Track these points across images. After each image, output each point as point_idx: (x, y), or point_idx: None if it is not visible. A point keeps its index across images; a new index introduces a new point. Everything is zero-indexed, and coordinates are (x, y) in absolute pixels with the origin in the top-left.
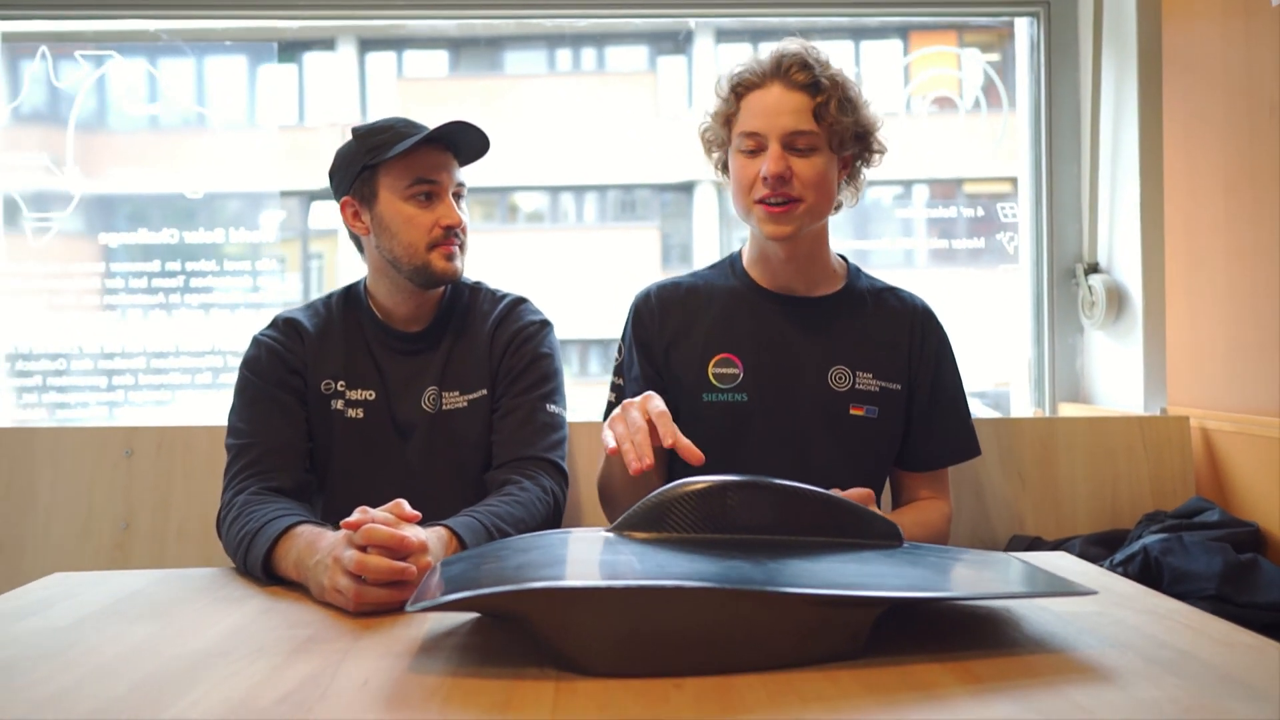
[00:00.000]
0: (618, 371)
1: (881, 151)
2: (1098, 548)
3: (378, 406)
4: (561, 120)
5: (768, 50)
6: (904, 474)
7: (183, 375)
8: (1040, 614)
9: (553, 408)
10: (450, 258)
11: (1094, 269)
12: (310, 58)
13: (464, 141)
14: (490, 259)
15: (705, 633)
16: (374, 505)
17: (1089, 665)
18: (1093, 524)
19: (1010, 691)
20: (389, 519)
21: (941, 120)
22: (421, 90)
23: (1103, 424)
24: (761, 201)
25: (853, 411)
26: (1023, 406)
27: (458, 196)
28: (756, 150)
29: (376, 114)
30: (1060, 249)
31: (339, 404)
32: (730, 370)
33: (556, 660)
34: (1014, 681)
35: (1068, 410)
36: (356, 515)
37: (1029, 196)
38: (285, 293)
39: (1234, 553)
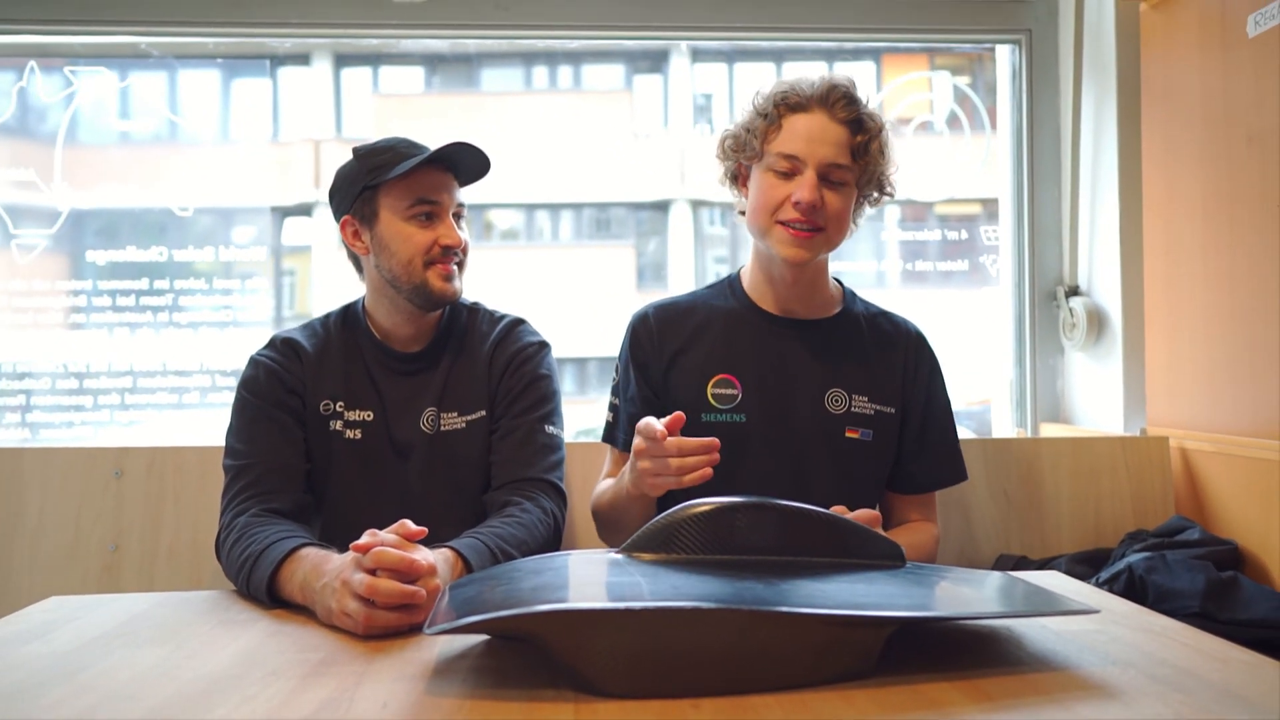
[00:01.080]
0: (615, 392)
1: (892, 194)
2: (1083, 566)
3: (376, 427)
4: (537, 138)
5: (810, 74)
6: (894, 496)
7: (169, 395)
8: (1040, 632)
9: (551, 429)
10: (448, 278)
11: (1074, 291)
12: (285, 73)
13: (464, 163)
14: (466, 276)
15: (721, 653)
16: (373, 526)
17: (1094, 683)
18: (1077, 543)
19: (1020, 710)
20: (398, 541)
21: (914, 143)
22: (397, 106)
23: (1085, 444)
24: (785, 224)
25: (848, 434)
26: (1004, 426)
27: (458, 217)
28: (791, 173)
29: (352, 130)
30: (1041, 272)
31: (337, 424)
32: (729, 391)
33: (573, 681)
34: (1023, 700)
35: (1049, 430)
36: (366, 538)
37: (1010, 220)
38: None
39: (1215, 570)
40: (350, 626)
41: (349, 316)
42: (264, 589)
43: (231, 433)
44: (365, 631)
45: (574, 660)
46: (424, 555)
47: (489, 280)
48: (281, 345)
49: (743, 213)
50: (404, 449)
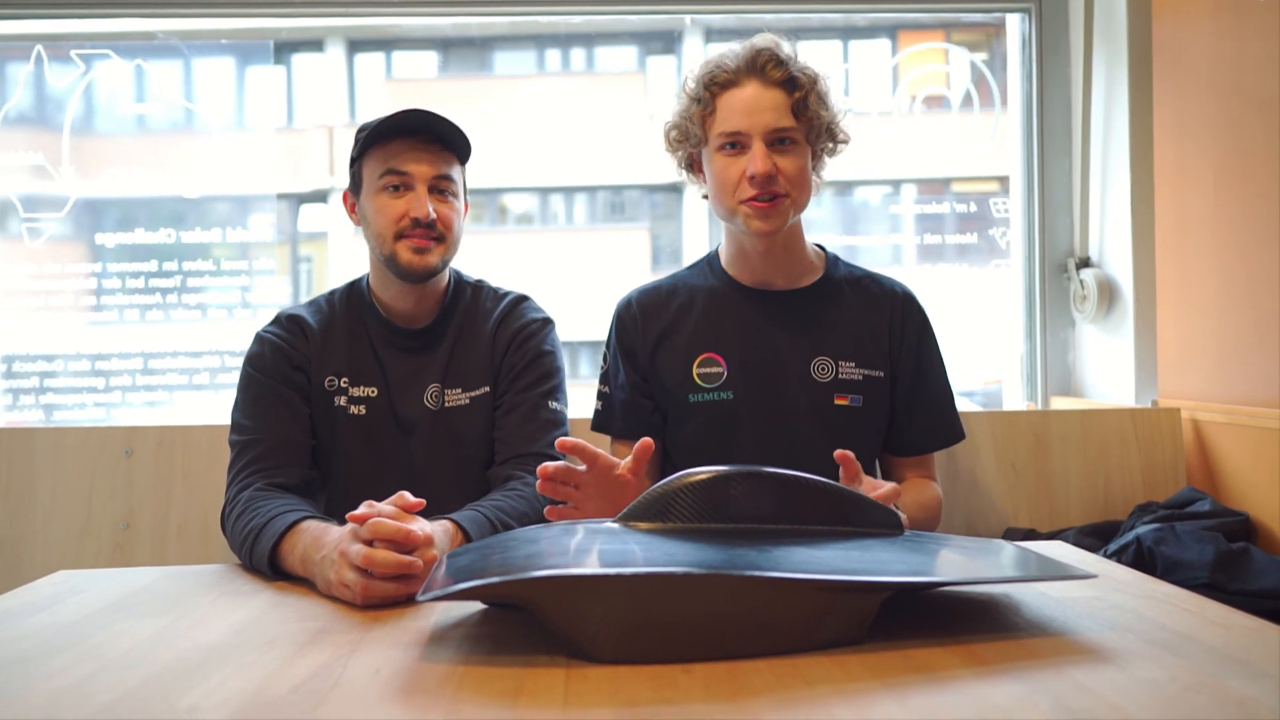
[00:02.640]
0: (604, 379)
1: (846, 141)
2: (1091, 539)
3: (380, 403)
4: (551, 121)
5: (733, 47)
6: (892, 459)
7: (179, 376)
8: (1040, 599)
9: (555, 405)
10: (420, 251)
11: (1085, 263)
12: (299, 59)
13: (445, 133)
14: (480, 261)
15: (713, 619)
16: (378, 501)
17: (1090, 647)
18: (1085, 516)
19: (1014, 672)
20: (395, 512)
21: (931, 119)
22: (410, 91)
23: (1095, 416)
24: (748, 200)
25: (837, 401)
26: (1015, 400)
27: (441, 191)
28: (739, 149)
29: (365, 116)
30: (1052, 244)
31: (342, 400)
32: (714, 369)
33: (566, 648)
34: (1017, 663)
35: (1060, 404)
36: (362, 509)
37: (1020, 192)
38: (280, 296)
39: (1225, 542)
40: (348, 597)
41: (354, 293)
42: (266, 562)
43: (237, 408)
44: (363, 601)
45: (567, 626)
46: (421, 526)
47: (504, 264)
48: (287, 322)
49: (705, 197)
50: (408, 425)
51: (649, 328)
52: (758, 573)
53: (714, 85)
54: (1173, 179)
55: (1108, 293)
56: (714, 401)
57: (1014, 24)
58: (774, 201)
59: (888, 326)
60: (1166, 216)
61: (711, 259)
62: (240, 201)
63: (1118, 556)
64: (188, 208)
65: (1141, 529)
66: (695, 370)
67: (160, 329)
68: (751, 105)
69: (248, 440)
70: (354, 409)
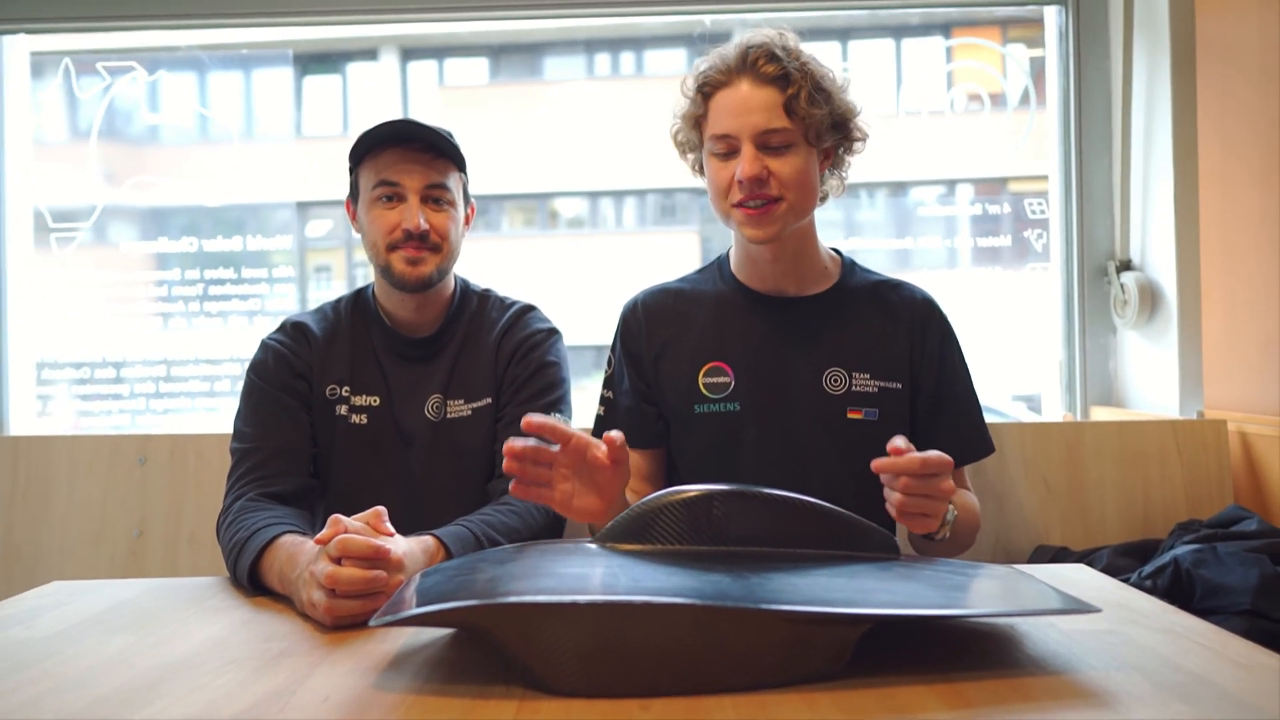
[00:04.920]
0: (607, 384)
1: (863, 138)
2: (1127, 558)
3: (381, 413)
4: (601, 125)
5: (735, 43)
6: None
7: (201, 383)
8: (1045, 632)
9: (558, 416)
10: (413, 262)
11: (1126, 266)
12: (353, 68)
13: (436, 141)
14: (532, 266)
15: (676, 651)
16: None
17: (1089, 689)
18: (1123, 533)
19: (997, 717)
20: (363, 528)
21: (984, 118)
22: (462, 97)
23: (1134, 428)
24: (740, 205)
25: (850, 415)
26: (1054, 410)
27: (436, 200)
28: (729, 153)
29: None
30: (1091, 246)
31: (343, 409)
32: (721, 379)
33: (523, 678)
34: (1004, 706)
35: (1099, 414)
36: (328, 529)
37: (1059, 191)
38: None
39: (1271, 564)
40: (317, 617)
41: (360, 301)
42: (246, 578)
43: (239, 416)
44: (331, 622)
45: (524, 655)
46: (395, 545)
47: (553, 269)
48: (291, 329)
49: None
50: (408, 436)
51: (654, 333)
52: (723, 603)
53: (707, 86)
54: (1218, 177)
55: (1150, 297)
56: (720, 413)
57: (1051, 16)
58: (767, 207)
59: (907, 335)
60: (1212, 216)
61: (722, 262)
62: (303, 208)
63: (1154, 579)
64: (246, 214)
65: (1180, 549)
66: (701, 379)
67: (214, 335)
68: (740, 106)
69: (247, 449)
70: (355, 418)
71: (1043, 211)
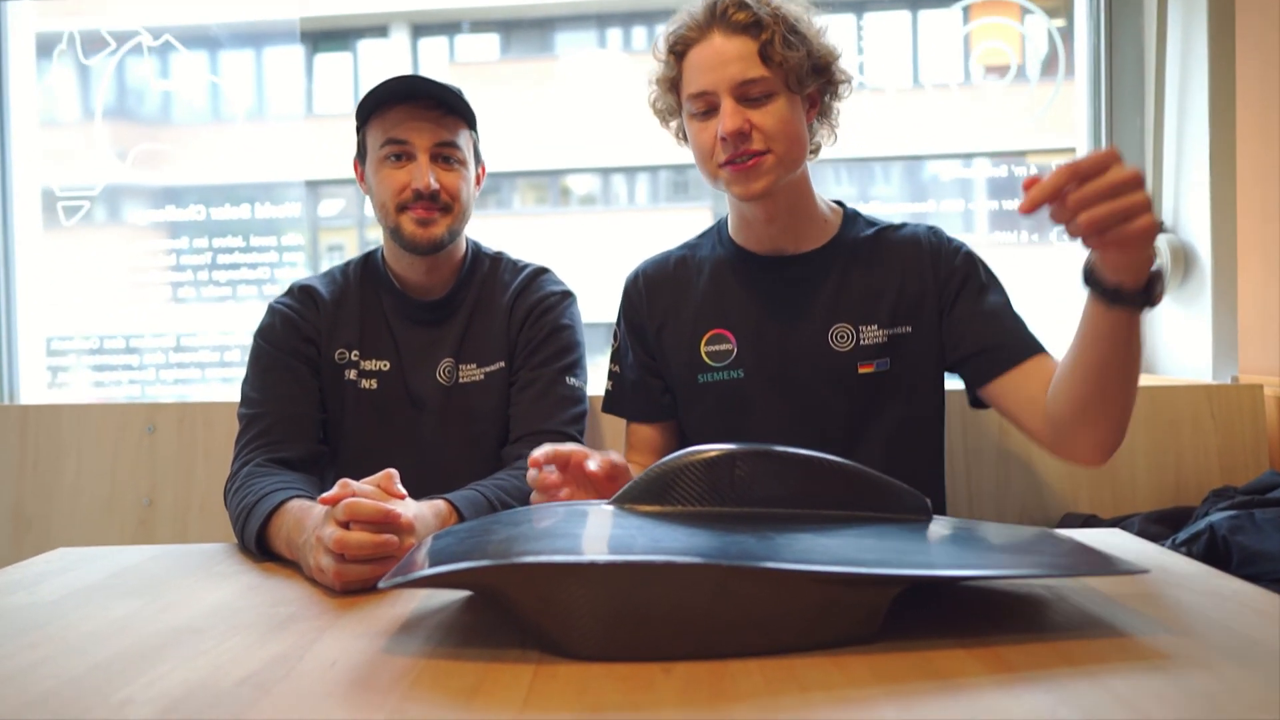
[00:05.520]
0: (614, 358)
1: (847, 81)
2: (1159, 526)
3: (392, 378)
4: (613, 100)
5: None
6: (1001, 386)
7: (211, 354)
8: (1086, 595)
9: (573, 381)
10: (424, 223)
11: (1159, 229)
12: (364, 45)
13: (445, 98)
14: (544, 243)
15: (699, 614)
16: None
17: (1138, 652)
18: (1154, 501)
19: (1043, 681)
20: (373, 491)
21: (1003, 91)
22: (473, 73)
23: (1166, 394)
24: (726, 163)
25: (861, 370)
26: None
27: (446, 159)
28: (709, 110)
29: None
30: None
31: (352, 374)
32: (723, 346)
33: (539, 642)
34: (1049, 670)
35: None
36: (336, 489)
37: (1087, 151)
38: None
39: None
40: (326, 582)
41: (369, 264)
42: (254, 543)
43: (246, 381)
44: (340, 587)
45: (538, 618)
46: (407, 507)
47: (566, 247)
48: (299, 293)
49: None
50: (420, 401)
51: (655, 303)
52: (748, 563)
53: (679, 45)
54: (1259, 131)
55: (1183, 260)
56: (724, 381)
57: None
58: (754, 161)
59: (915, 272)
60: (1250, 176)
61: (720, 226)
62: (314, 187)
63: (1188, 546)
64: (258, 192)
65: (1215, 516)
66: (703, 348)
67: (231, 311)
68: (714, 59)
69: (255, 414)
70: (365, 383)
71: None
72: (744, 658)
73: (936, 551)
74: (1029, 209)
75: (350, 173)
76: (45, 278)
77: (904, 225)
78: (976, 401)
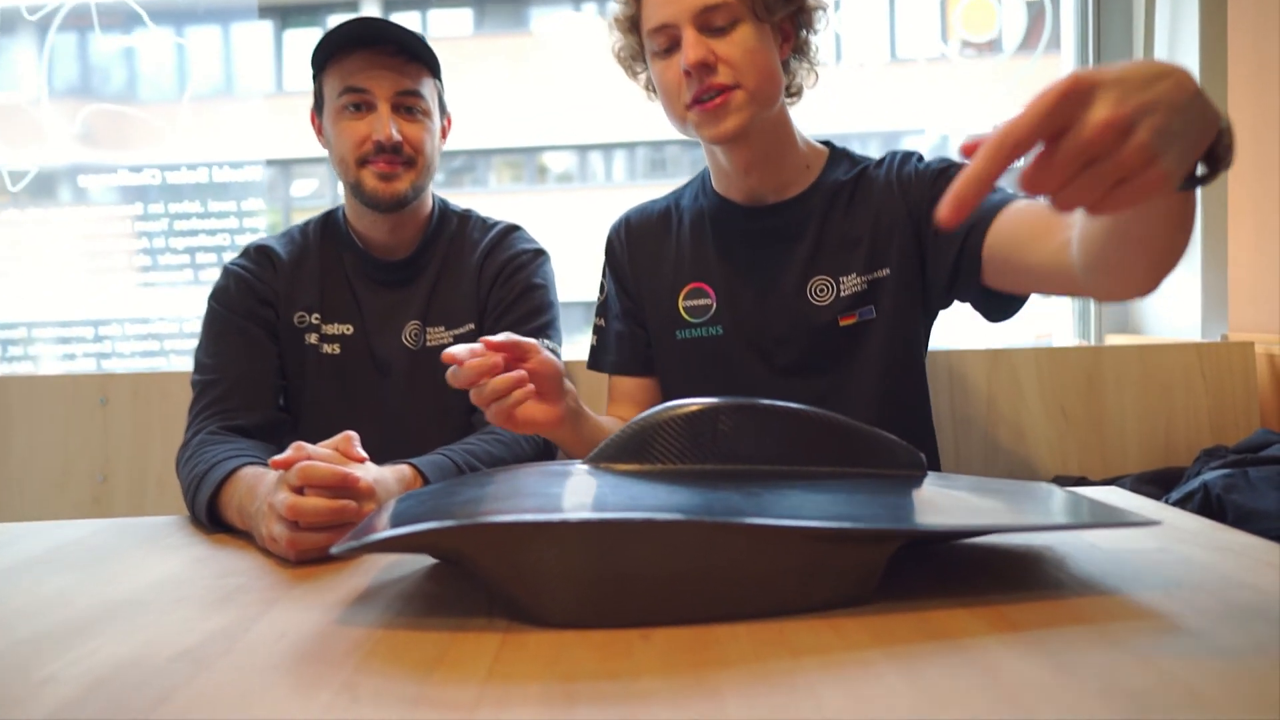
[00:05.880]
0: (599, 311)
1: (821, 7)
2: (1151, 486)
3: (355, 342)
4: (589, 77)
5: None
6: (998, 225)
7: (169, 325)
8: (1087, 552)
9: (547, 342)
10: (386, 178)
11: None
12: (335, 20)
13: (408, 43)
14: (521, 221)
15: (682, 575)
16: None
17: (1153, 610)
18: (1144, 462)
19: (1054, 641)
20: (330, 454)
21: (981, 65)
22: (446, 49)
23: (1156, 352)
24: (694, 104)
25: (843, 323)
26: (1065, 340)
27: (409, 109)
28: (671, 46)
29: None
30: None
31: (313, 338)
32: (702, 301)
33: (508, 610)
34: (1058, 629)
35: (1116, 341)
36: (290, 452)
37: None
38: None
39: None
40: (280, 552)
41: (330, 223)
42: (205, 514)
43: (200, 348)
44: (295, 557)
45: (508, 584)
46: (367, 471)
47: (543, 225)
48: (255, 254)
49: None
50: (385, 366)
51: (635, 253)
52: (736, 519)
53: None
54: (1250, 83)
55: None
56: (703, 338)
57: None
58: (721, 99)
59: (888, 207)
60: (1242, 126)
61: (705, 175)
62: (285, 166)
63: (1182, 505)
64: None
65: (1209, 475)
66: (681, 303)
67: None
68: None
69: (209, 380)
70: (327, 348)
71: None
72: (730, 622)
73: (934, 506)
74: (953, 221)
75: (324, 150)
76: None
77: (885, 156)
78: (989, 299)
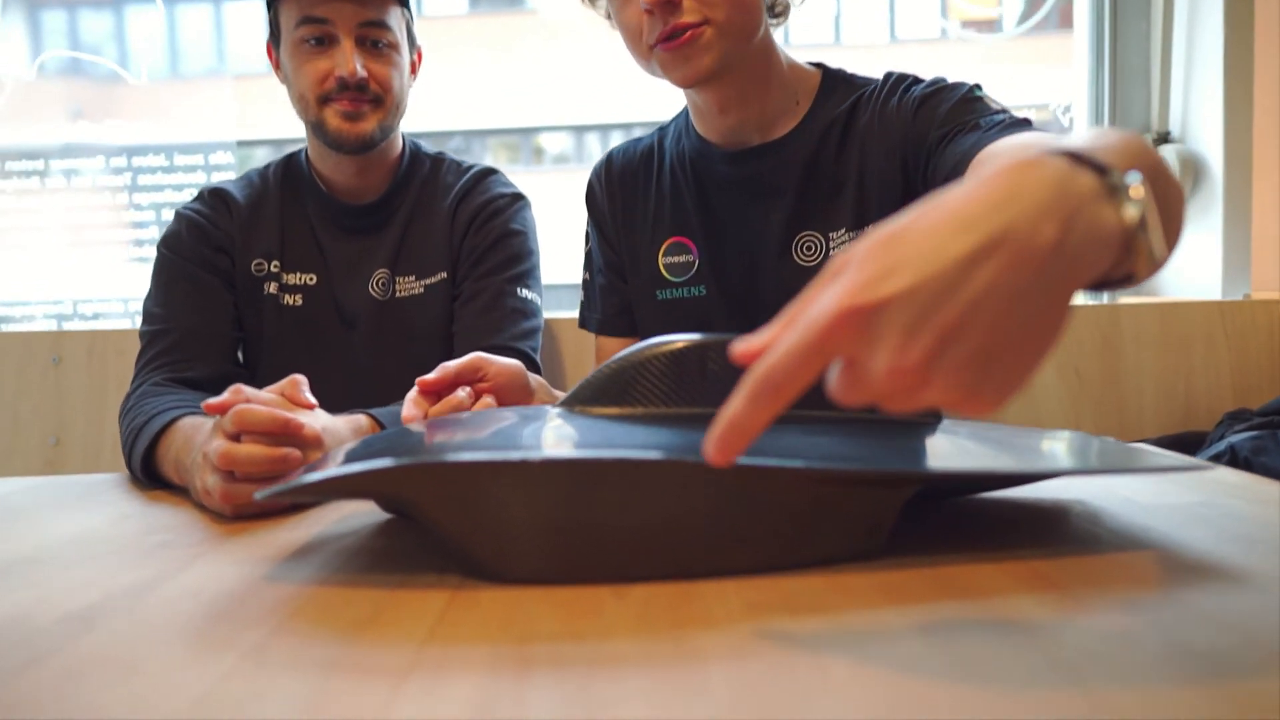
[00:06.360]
0: (585, 264)
1: None
2: (1172, 450)
3: (318, 293)
4: (585, 57)
5: None
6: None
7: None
8: (1124, 506)
9: (525, 293)
10: (351, 117)
11: (1164, 139)
12: None
13: None
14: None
15: (663, 524)
16: (322, 406)
17: (1207, 564)
18: (1162, 426)
19: (1098, 598)
20: (273, 399)
21: (980, 46)
22: (441, 30)
23: (1175, 311)
24: (659, 43)
25: None
26: (1079, 297)
27: (375, 42)
28: None
29: None
30: (1124, 118)
31: (272, 288)
32: (684, 258)
33: (462, 564)
34: (1099, 587)
35: (1132, 300)
36: (226, 395)
37: (1087, 61)
38: None
39: None
40: (213, 506)
41: (292, 165)
42: (140, 469)
43: (149, 297)
44: (231, 512)
45: (463, 535)
46: (315, 418)
47: (539, 206)
48: (209, 196)
49: None
50: (350, 318)
51: (614, 200)
52: None
53: None
54: (1276, 35)
55: (1192, 171)
56: (685, 299)
57: None
58: (688, 36)
59: (874, 144)
60: (1269, 77)
61: (689, 114)
62: (278, 145)
63: None
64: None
65: (1235, 438)
66: (661, 259)
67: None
68: None
69: (158, 330)
70: (288, 299)
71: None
72: (719, 578)
73: (952, 451)
74: (719, 464)
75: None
76: None
77: (881, 83)
78: None
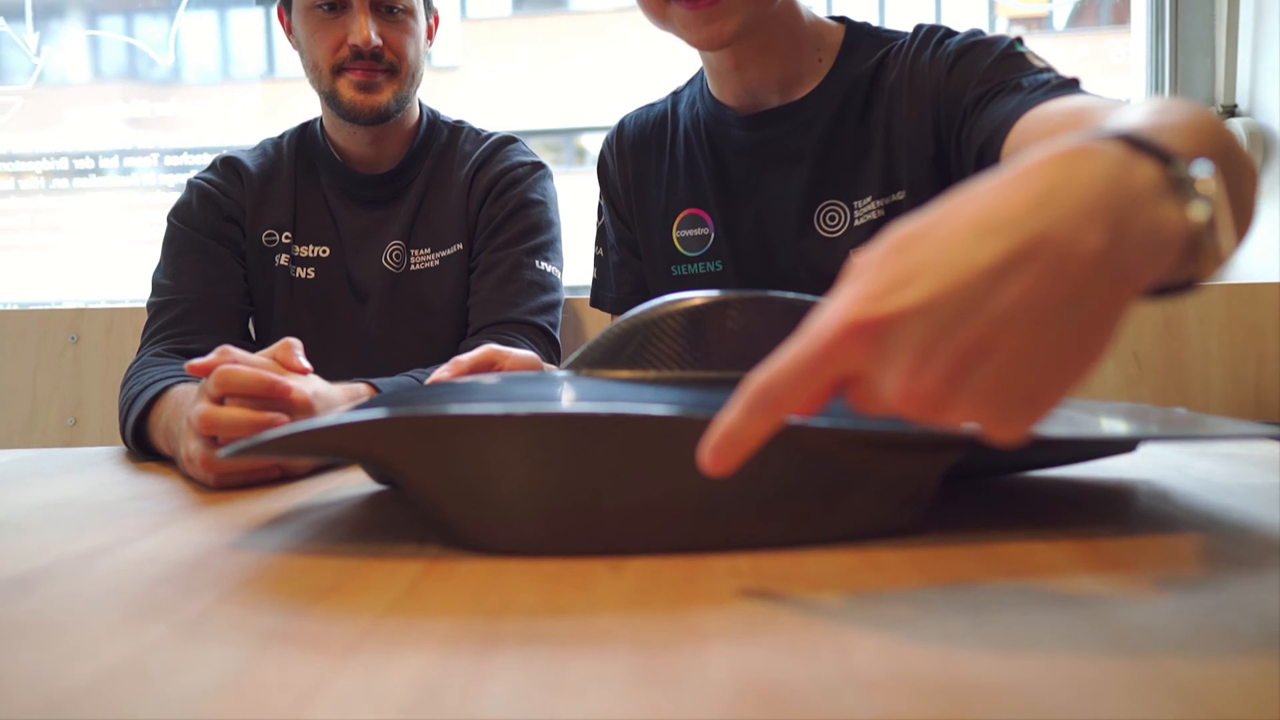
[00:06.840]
0: (599, 239)
1: None
2: None
3: (331, 265)
4: (628, 57)
5: None
6: (1025, 132)
7: None
8: (1198, 486)
9: (544, 265)
10: (365, 88)
11: (1231, 113)
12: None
13: None
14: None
15: (668, 491)
16: (327, 379)
17: None
18: (1229, 415)
19: (1172, 580)
20: (262, 362)
21: (1032, 43)
22: (485, 31)
23: (1246, 293)
24: (678, 1)
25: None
26: None
27: (389, 9)
28: None
29: (441, 58)
30: (1187, 91)
31: (284, 259)
32: (699, 231)
33: (444, 533)
34: (1173, 567)
35: None
36: (212, 355)
37: (1146, 31)
38: None
39: None
40: (196, 475)
41: (305, 135)
42: (132, 439)
43: (157, 269)
44: (214, 482)
45: (445, 501)
46: (308, 383)
47: (580, 208)
48: (221, 166)
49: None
50: (364, 291)
51: (625, 169)
52: None
53: None
54: None
55: (1261, 145)
56: (700, 274)
57: None
58: None
59: (902, 106)
60: None
61: (705, 77)
62: None
63: None
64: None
65: None
66: (675, 232)
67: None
68: None
69: (165, 301)
70: (300, 271)
71: (1122, 54)
72: (729, 551)
73: None
74: (714, 474)
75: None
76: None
77: (910, 37)
78: None
